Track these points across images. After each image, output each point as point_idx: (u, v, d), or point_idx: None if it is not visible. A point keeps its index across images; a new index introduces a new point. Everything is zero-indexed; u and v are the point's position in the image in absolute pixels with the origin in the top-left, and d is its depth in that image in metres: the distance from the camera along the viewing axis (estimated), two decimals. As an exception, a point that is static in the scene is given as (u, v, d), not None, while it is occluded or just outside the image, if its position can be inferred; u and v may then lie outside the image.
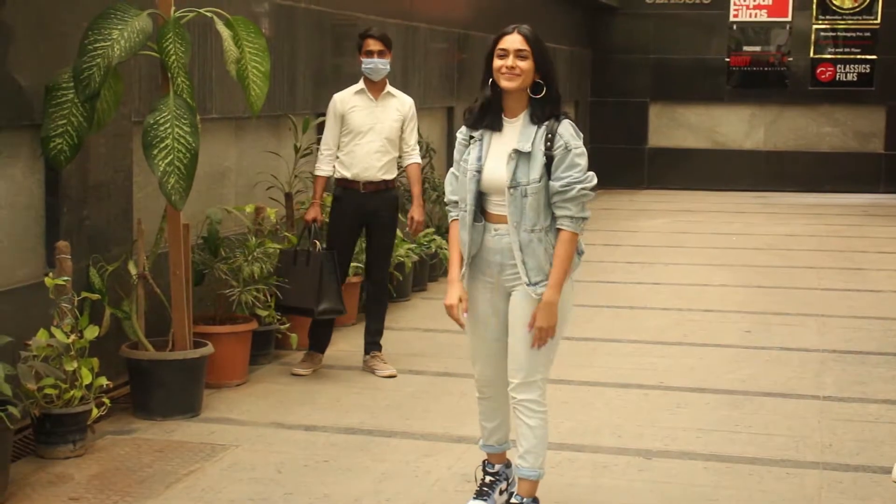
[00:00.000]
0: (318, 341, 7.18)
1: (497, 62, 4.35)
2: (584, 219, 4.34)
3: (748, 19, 19.68)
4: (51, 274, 5.51)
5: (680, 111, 19.91)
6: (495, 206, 4.42)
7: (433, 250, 9.70)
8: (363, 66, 6.98)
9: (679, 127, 19.98)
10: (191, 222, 6.47)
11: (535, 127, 4.35)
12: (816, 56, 19.52)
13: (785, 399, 6.62)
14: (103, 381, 5.53)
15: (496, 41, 4.39)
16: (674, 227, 14.72)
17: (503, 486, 4.69)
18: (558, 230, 4.32)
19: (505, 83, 4.34)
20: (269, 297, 7.01)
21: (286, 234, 7.64)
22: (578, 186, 4.29)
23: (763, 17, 19.63)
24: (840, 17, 19.40)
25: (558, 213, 4.31)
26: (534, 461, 4.49)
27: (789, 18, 19.53)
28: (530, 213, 4.32)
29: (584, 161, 4.33)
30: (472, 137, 4.47)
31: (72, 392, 5.37)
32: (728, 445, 5.73)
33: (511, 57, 4.31)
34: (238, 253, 6.98)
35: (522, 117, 4.39)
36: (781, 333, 8.44)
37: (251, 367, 6.94)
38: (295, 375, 6.99)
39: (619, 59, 19.66)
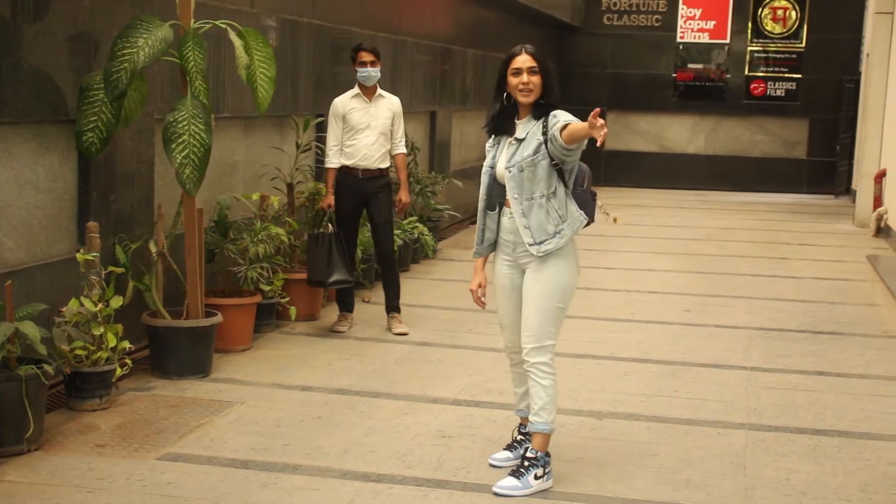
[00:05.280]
0: (345, 304, 7.50)
1: (513, 80, 4.45)
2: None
3: (692, 40, 19.72)
4: (82, 250, 5.49)
5: (632, 119, 19.95)
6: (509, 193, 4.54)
7: (416, 236, 9.70)
8: (358, 74, 7.23)
9: (631, 133, 20.02)
10: (204, 207, 6.46)
11: (535, 121, 4.47)
12: (750, 74, 19.59)
13: (717, 369, 6.66)
14: (126, 344, 5.53)
15: (508, 61, 4.48)
16: (625, 219, 14.73)
17: (530, 445, 4.64)
18: (562, 130, 4.29)
19: (522, 99, 4.45)
20: (271, 274, 7.02)
21: (288, 219, 7.63)
22: (559, 126, 4.30)
23: (705, 38, 19.68)
24: (771, 41, 19.48)
25: (556, 131, 4.30)
26: (546, 417, 4.53)
27: (728, 40, 19.59)
28: (528, 185, 4.43)
29: (562, 117, 4.36)
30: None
31: (99, 353, 5.37)
32: (668, 408, 5.76)
33: (525, 74, 4.42)
34: (245, 235, 6.98)
35: (528, 116, 4.50)
36: (716, 313, 8.48)
37: (255, 335, 6.94)
38: (335, 332, 7.29)
39: (581, 72, 19.67)
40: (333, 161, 7.29)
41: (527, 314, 4.52)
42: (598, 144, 4.07)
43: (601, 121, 4.05)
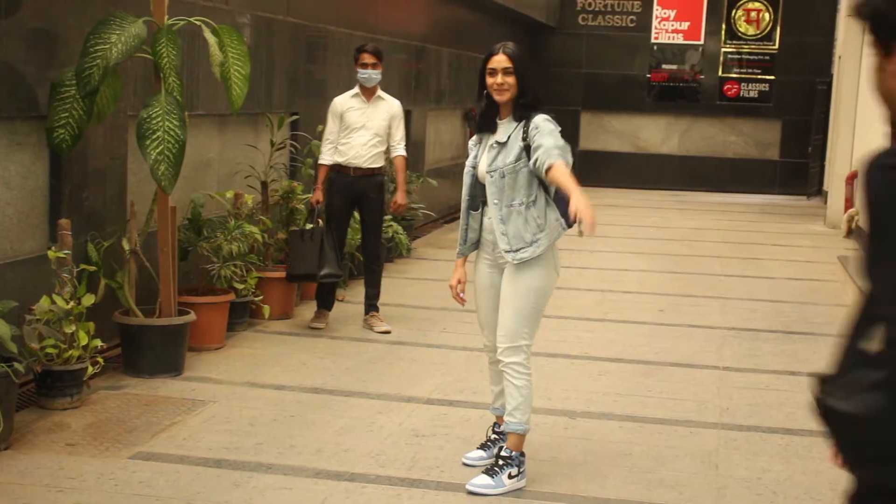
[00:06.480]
0: (324, 301, 7.52)
1: (488, 79, 4.49)
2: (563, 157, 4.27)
3: (667, 41, 19.81)
4: (53, 248, 5.45)
5: (607, 119, 20.01)
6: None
7: (390, 235, 9.68)
8: (358, 74, 7.33)
9: (606, 133, 20.09)
10: (177, 205, 6.42)
11: (516, 123, 4.47)
12: (724, 75, 19.69)
13: (690, 369, 6.70)
14: (98, 342, 5.49)
15: (486, 60, 4.51)
16: (599, 219, 14.75)
17: (504, 444, 4.63)
18: (548, 170, 4.22)
19: (497, 97, 4.48)
20: (245, 272, 6.99)
21: (261, 217, 7.61)
22: (547, 162, 4.23)
23: (679, 39, 19.77)
24: (744, 42, 19.60)
25: (544, 165, 4.24)
26: (520, 417, 4.54)
27: (702, 42, 19.69)
28: (508, 191, 4.43)
29: (547, 140, 4.29)
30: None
31: (70, 352, 5.33)
32: (641, 408, 5.79)
33: (500, 75, 4.45)
34: (219, 233, 6.95)
35: (510, 117, 4.50)
36: (689, 313, 8.52)
37: (228, 334, 6.90)
38: (312, 328, 7.35)
39: (556, 72, 19.71)
40: (326, 158, 7.39)
41: (502, 314, 4.53)
42: (579, 234, 4.10)
43: (591, 219, 4.03)
